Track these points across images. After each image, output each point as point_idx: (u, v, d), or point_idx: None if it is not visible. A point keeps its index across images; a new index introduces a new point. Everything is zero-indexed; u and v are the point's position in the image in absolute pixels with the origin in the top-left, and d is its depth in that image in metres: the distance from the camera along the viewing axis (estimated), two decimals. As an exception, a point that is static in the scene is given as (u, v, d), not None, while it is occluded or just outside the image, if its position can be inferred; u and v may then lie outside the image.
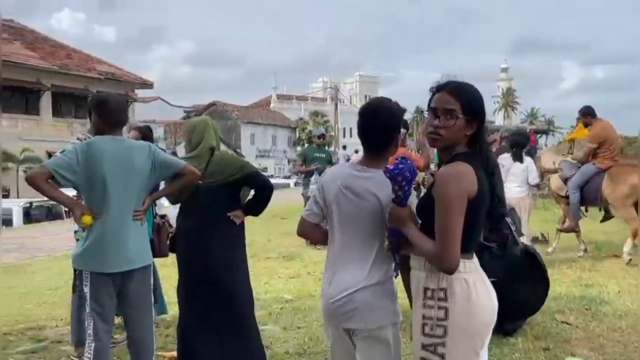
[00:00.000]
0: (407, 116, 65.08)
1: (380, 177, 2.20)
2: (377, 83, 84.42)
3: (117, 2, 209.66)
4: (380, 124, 2.37)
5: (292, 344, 4.34)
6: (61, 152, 3.36)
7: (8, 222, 13.73)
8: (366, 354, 2.34)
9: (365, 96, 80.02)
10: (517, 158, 6.72)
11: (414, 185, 2.16)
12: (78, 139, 4.12)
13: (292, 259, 7.77)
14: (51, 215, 14.75)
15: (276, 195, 4.03)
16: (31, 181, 3.10)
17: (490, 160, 2.12)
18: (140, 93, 33.88)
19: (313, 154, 9.26)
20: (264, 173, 4.14)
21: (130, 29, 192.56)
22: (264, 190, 3.65)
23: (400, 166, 2.09)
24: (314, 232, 2.54)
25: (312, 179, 8.71)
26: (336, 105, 52.28)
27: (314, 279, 6.35)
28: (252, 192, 3.74)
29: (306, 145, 41.15)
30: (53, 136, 28.98)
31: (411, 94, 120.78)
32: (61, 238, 9.28)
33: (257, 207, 3.69)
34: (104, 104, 3.35)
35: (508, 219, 3.86)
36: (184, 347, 3.57)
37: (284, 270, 7.08)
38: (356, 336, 2.36)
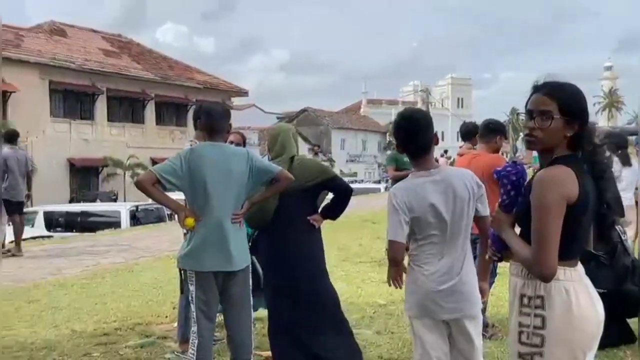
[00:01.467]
0: (503, 118, 62.90)
1: (448, 172, 2.66)
2: (469, 85, 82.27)
3: (217, 15, 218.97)
4: (422, 129, 2.65)
5: (385, 348, 4.34)
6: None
7: (117, 224, 14.70)
8: (464, 345, 2.61)
9: (458, 99, 78.23)
10: (626, 161, 5.85)
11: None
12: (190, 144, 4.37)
13: (384, 264, 7.72)
14: (155, 217, 15.60)
15: (366, 200, 4.11)
16: (140, 185, 3.32)
17: (597, 162, 2.03)
18: (236, 101, 35.16)
19: (403, 158, 9.09)
20: (354, 178, 4.21)
21: (229, 40, 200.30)
22: (343, 195, 3.73)
23: (508, 169, 2.10)
24: (403, 253, 2.65)
25: None
26: (427, 109, 51.56)
27: (407, 285, 6.29)
28: (330, 196, 3.84)
29: (396, 149, 40.65)
30: (156, 143, 30.70)
31: (507, 95, 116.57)
32: (165, 240, 9.82)
33: (335, 211, 3.78)
34: (206, 112, 3.55)
35: (619, 227, 3.64)
36: (276, 347, 3.69)
37: (375, 274, 7.08)
38: (455, 326, 2.60)
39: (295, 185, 3.51)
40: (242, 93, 37.23)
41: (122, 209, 15.59)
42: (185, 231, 4.12)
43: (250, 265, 3.57)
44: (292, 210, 3.59)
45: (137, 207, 15.84)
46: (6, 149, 8.91)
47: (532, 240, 1.95)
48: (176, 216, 8.98)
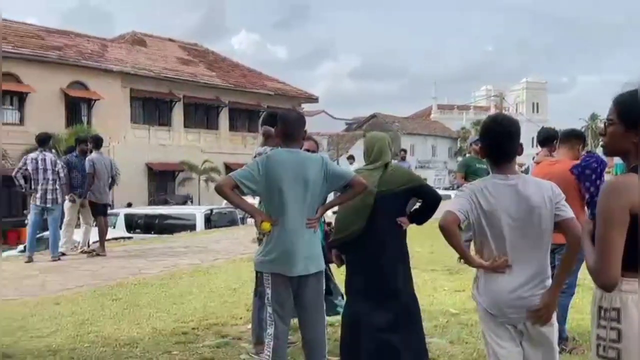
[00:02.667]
0: (581, 124, 60.23)
1: (527, 180, 2.63)
2: (545, 90, 79.32)
3: (289, 23, 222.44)
4: (510, 136, 2.63)
5: (459, 358, 4.27)
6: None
7: (192, 227, 15.20)
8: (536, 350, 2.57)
9: (533, 104, 75.58)
10: None
11: None
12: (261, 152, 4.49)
13: (456, 272, 7.61)
14: (229, 221, 16.02)
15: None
16: (219, 190, 3.45)
17: None
18: (306, 107, 35.59)
19: (475, 165, 8.86)
20: None
21: (300, 47, 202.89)
22: (431, 202, 3.83)
23: (586, 159, 2.10)
24: (455, 228, 2.59)
25: None
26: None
27: (481, 294, 6.15)
28: (418, 202, 3.95)
29: (467, 155, 39.87)
30: (230, 149, 31.54)
31: (586, 100, 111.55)
32: (238, 242, 10.07)
33: (423, 216, 3.91)
34: (282, 119, 3.65)
35: None
36: (348, 353, 3.74)
37: (448, 283, 6.97)
38: (526, 331, 2.55)
39: (387, 191, 3.62)
40: (312, 99, 37.65)
41: (198, 212, 16.11)
42: (260, 235, 4.24)
43: (326, 270, 3.64)
44: (383, 213, 3.67)
45: (211, 210, 16.33)
46: (93, 154, 9.43)
47: (595, 249, 1.93)
48: (248, 220, 9.20)
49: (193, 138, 31.15)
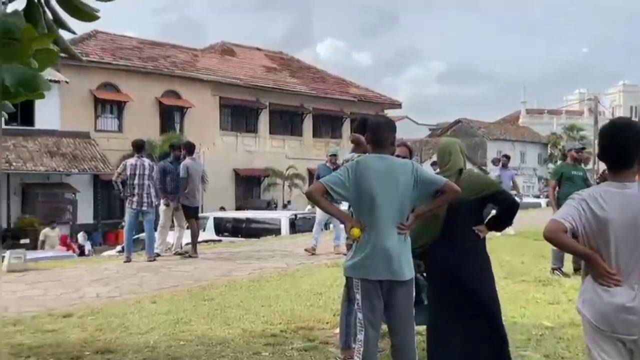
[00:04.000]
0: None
1: None
2: (644, 92, 74.47)
3: (375, 29, 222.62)
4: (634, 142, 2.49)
5: (555, 374, 4.09)
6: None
7: (277, 231, 15.50)
8: None
9: (631, 107, 71.17)
10: None
11: None
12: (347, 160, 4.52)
13: (549, 284, 7.29)
14: (312, 226, 16.16)
15: (527, 215, 3.99)
16: (310, 196, 3.52)
17: None
18: (389, 113, 35.37)
19: (570, 172, 8.44)
20: (512, 192, 4.20)
21: (385, 53, 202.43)
22: (509, 209, 3.78)
23: None
24: (563, 236, 2.46)
25: None
26: (596, 118, 47.51)
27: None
28: (494, 209, 3.92)
29: (559, 162, 38.18)
30: (313, 154, 31.92)
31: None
32: (322, 248, 10.15)
33: (500, 223, 3.86)
34: (372, 125, 3.67)
35: None
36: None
37: (540, 295, 6.69)
38: (637, 350, 2.40)
39: (462, 198, 3.54)
40: (396, 105, 37.43)
41: (283, 217, 16.41)
42: (350, 240, 4.28)
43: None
44: (458, 222, 3.64)
45: (295, 215, 16.58)
46: (187, 160, 9.86)
47: None
48: (331, 225, 9.20)
49: (278, 144, 31.82)
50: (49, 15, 2.64)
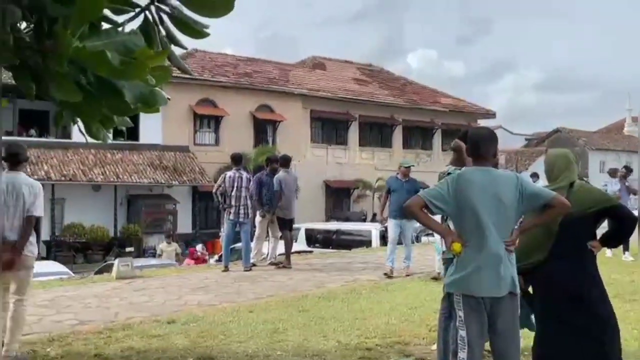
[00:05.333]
0: None
1: None
2: None
3: (469, 38, 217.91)
4: None
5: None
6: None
7: (368, 243, 15.47)
8: None
9: None
10: None
11: None
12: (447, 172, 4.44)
13: (665, 305, 6.76)
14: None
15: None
16: (408, 210, 3.47)
17: None
18: (482, 123, 34.42)
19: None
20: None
21: (479, 62, 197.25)
22: (626, 224, 3.56)
23: None
24: None
25: None
26: None
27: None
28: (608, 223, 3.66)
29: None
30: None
31: None
32: (414, 261, 9.99)
33: (616, 239, 3.68)
34: (473, 137, 3.58)
35: None
36: None
37: (655, 316, 6.21)
38: None
39: (574, 212, 3.38)
40: (489, 115, 36.36)
41: (373, 228, 16.35)
42: (450, 255, 4.18)
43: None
44: (571, 237, 3.47)
45: (386, 227, 16.44)
46: (281, 172, 10.08)
47: None
48: (423, 238, 8.96)
49: (367, 156, 31.82)
50: (163, 32, 2.80)
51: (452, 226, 3.56)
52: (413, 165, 9.52)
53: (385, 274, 9.14)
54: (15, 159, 4.98)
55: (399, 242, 9.32)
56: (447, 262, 4.18)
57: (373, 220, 27.54)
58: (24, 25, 2.45)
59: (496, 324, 3.30)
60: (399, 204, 8.39)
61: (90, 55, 2.01)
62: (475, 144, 3.51)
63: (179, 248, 18.39)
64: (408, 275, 9.16)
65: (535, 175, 15.58)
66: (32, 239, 4.96)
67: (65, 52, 1.95)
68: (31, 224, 4.89)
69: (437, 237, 8.02)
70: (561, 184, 3.58)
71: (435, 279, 8.39)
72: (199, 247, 19.26)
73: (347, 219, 25.62)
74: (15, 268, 4.78)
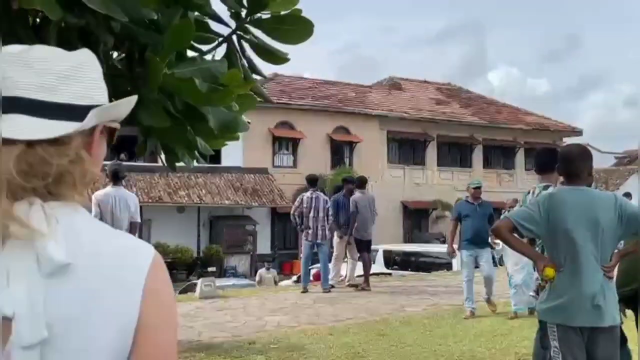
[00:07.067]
0: None
1: None
2: None
3: (554, 54, 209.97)
4: None
5: None
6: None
7: (448, 266, 15.04)
8: None
9: None
10: None
11: None
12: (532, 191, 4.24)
13: None
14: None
15: None
16: (496, 232, 3.33)
17: None
18: (568, 141, 32.95)
19: None
20: None
21: (564, 78, 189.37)
22: None
23: None
24: None
25: None
26: None
27: None
28: None
29: None
30: (484, 187, 30.67)
31: None
32: (499, 285, 9.58)
33: None
34: (565, 154, 3.40)
35: None
36: None
37: None
38: None
39: None
40: (576, 132, 34.76)
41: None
42: (542, 281, 3.96)
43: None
44: None
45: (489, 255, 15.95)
46: (357, 194, 10.03)
47: None
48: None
49: (446, 176, 31.18)
50: (245, 61, 2.85)
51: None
52: (481, 187, 8.23)
53: (465, 318, 7.54)
54: (117, 176, 6.39)
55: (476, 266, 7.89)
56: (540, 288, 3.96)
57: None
58: (115, 54, 2.57)
59: (594, 356, 3.06)
60: (473, 231, 7.57)
61: (179, 82, 2.06)
62: (569, 161, 3.31)
63: (277, 275, 18.33)
64: (494, 312, 7.76)
65: (628, 195, 14.66)
66: None
67: (157, 79, 2.01)
68: (135, 228, 6.17)
69: (510, 267, 7.53)
70: None
71: (512, 319, 7.34)
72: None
73: (426, 241, 25.15)
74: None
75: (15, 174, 0.83)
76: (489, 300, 7.92)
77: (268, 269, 17.81)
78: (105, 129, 0.97)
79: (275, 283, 17.13)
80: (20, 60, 0.88)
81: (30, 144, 0.85)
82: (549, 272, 3.14)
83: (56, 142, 0.87)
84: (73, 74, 0.91)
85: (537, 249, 3.71)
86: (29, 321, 0.80)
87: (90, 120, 0.90)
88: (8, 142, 0.84)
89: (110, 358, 0.85)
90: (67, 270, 0.83)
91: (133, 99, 1.02)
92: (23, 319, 0.79)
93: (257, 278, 17.36)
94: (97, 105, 0.92)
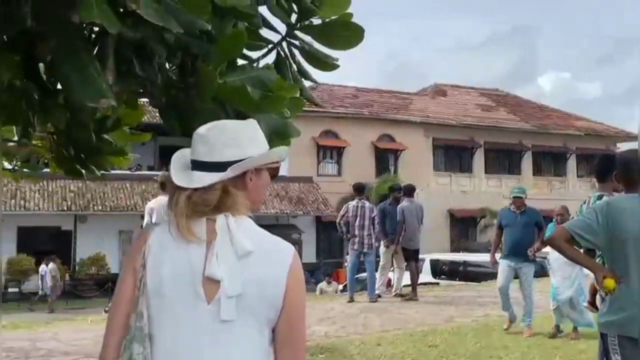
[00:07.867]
0: None
1: None
2: None
3: (607, 57, 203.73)
4: None
5: None
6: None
7: (497, 276, 14.66)
8: None
9: None
10: None
11: None
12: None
13: None
14: (536, 271, 15.01)
15: None
16: (552, 243, 3.22)
17: None
18: (622, 147, 31.84)
19: None
20: None
21: (618, 81, 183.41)
22: None
23: None
24: None
25: None
26: None
27: None
28: None
29: None
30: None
31: None
32: (548, 295, 9.29)
33: None
34: (622, 161, 3.27)
35: None
36: None
37: None
38: None
39: None
40: (631, 137, 33.54)
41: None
42: (603, 293, 3.80)
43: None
44: None
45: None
46: (404, 202, 9.92)
47: None
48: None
49: (494, 184, 30.59)
50: (294, 67, 2.85)
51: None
52: (521, 196, 7.56)
53: (505, 329, 7.27)
54: (163, 187, 6.58)
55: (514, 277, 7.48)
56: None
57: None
58: (167, 64, 2.61)
59: (662, 371, 2.92)
60: (513, 241, 7.21)
61: (232, 91, 2.07)
62: (626, 169, 3.18)
63: (338, 288, 17.94)
64: (530, 337, 6.91)
65: None
66: None
67: (210, 88, 2.03)
68: None
69: (557, 281, 7.16)
70: None
71: (554, 336, 6.87)
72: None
73: (475, 250, 24.67)
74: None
75: (184, 206, 1.44)
76: (529, 327, 7.14)
77: (329, 282, 17.37)
78: (266, 168, 1.56)
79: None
80: (202, 139, 1.50)
81: (195, 189, 1.45)
82: (609, 283, 3.01)
83: (210, 187, 1.45)
84: (232, 142, 1.49)
85: (597, 259, 3.57)
86: (230, 282, 1.38)
87: (231, 172, 1.46)
88: (182, 188, 1.46)
89: (271, 307, 1.42)
90: (250, 254, 1.41)
91: (283, 151, 1.61)
92: (227, 280, 1.38)
93: (317, 292, 16.84)
94: (238, 161, 1.47)
